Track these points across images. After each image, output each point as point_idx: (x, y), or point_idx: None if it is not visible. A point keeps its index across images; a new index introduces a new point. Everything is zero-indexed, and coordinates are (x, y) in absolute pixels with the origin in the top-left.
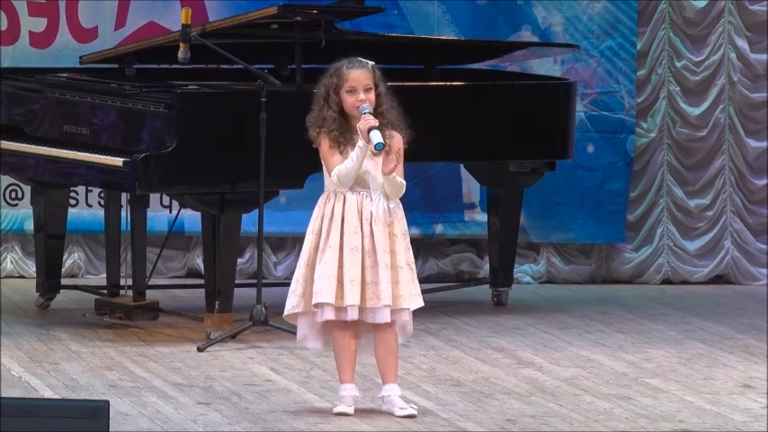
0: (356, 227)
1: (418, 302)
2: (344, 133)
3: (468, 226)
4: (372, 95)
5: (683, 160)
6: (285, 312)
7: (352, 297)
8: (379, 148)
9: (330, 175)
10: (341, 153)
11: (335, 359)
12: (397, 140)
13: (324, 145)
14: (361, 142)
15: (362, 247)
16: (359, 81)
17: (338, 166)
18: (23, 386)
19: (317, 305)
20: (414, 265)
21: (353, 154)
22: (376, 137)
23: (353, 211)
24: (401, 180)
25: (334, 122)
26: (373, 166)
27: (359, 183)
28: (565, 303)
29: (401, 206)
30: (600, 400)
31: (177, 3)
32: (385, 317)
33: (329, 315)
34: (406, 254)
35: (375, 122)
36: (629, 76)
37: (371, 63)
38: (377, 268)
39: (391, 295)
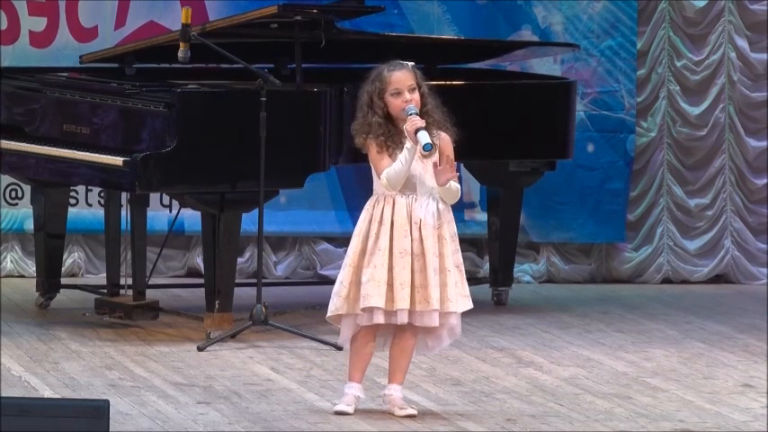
0: (406, 230)
1: (466, 305)
2: (392, 137)
3: (468, 225)
4: (417, 95)
5: (682, 160)
6: (328, 314)
7: (402, 301)
8: (428, 149)
9: (380, 178)
10: (390, 156)
11: (350, 356)
12: (446, 141)
13: (372, 150)
14: (408, 144)
15: (411, 251)
16: (402, 82)
17: (387, 169)
18: (23, 386)
19: (365, 309)
20: (462, 267)
21: (402, 156)
22: (424, 137)
23: (403, 214)
24: (456, 185)
25: (380, 127)
26: (422, 169)
27: (407, 186)
28: (565, 303)
29: (450, 208)
30: (600, 399)
31: (177, 2)
32: (434, 321)
33: (379, 319)
34: (454, 256)
35: (422, 123)
36: (629, 76)
37: (411, 64)
38: (426, 272)
39: (439, 299)
